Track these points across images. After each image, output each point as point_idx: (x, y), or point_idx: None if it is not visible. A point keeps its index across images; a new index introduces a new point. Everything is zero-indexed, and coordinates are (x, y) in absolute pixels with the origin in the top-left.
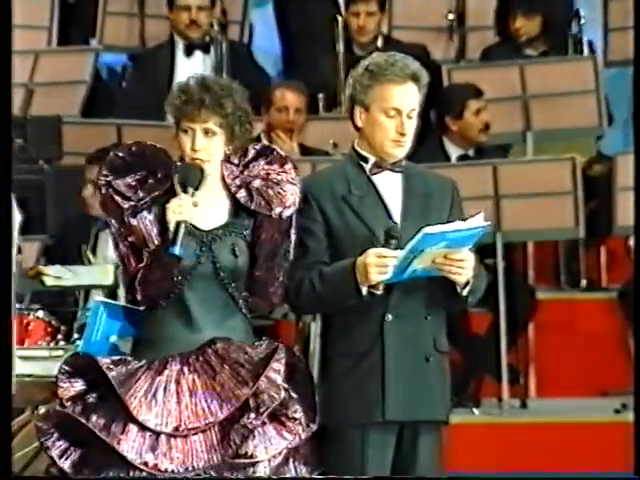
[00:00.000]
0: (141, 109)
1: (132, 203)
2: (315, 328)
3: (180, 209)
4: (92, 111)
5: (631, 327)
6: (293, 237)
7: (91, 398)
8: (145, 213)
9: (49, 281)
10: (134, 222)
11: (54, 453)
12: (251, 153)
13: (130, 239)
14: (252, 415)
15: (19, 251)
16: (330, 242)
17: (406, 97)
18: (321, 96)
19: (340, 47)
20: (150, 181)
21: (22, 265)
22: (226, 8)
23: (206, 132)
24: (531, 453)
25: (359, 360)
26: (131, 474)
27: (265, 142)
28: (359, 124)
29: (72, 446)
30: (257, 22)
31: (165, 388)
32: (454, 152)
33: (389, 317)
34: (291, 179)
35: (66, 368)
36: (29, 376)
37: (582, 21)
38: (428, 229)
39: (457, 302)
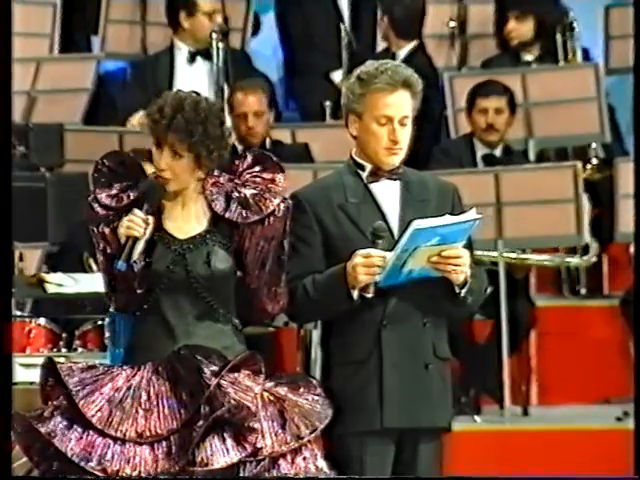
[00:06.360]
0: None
1: (108, 212)
2: (317, 336)
3: (131, 224)
4: (94, 118)
5: (633, 334)
6: (287, 245)
7: (55, 401)
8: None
9: (51, 288)
10: (107, 231)
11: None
12: (248, 160)
13: (104, 248)
14: (200, 422)
15: (21, 258)
16: (327, 250)
17: (397, 105)
18: (328, 104)
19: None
20: (128, 192)
21: (24, 272)
22: (228, 15)
23: (174, 153)
24: (532, 460)
25: (357, 368)
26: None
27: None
28: (354, 133)
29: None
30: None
31: (134, 395)
32: (479, 150)
33: (386, 324)
34: (277, 190)
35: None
36: (31, 383)
37: (575, 27)
38: (417, 224)
39: (457, 304)
